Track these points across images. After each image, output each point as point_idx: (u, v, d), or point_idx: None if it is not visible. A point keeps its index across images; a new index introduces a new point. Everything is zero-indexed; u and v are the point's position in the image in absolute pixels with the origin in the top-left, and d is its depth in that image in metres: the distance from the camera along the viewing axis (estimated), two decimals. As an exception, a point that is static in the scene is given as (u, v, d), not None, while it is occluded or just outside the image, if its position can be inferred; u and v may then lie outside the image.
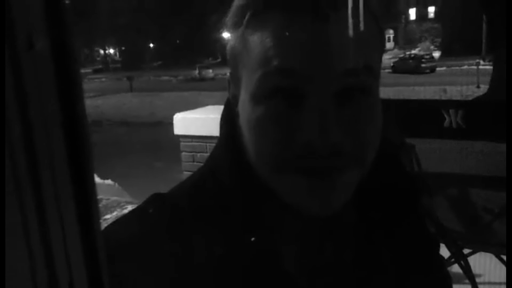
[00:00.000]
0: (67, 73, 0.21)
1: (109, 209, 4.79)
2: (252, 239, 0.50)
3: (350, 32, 0.46)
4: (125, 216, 0.55)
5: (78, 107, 0.22)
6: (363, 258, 0.55)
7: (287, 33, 0.46)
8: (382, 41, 0.51)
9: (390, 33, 46.46)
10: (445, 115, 1.98)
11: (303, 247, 0.53)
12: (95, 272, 0.22)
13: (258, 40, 0.47)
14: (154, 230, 0.51)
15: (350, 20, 0.46)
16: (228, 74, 0.56)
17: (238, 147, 0.53)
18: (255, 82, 0.47)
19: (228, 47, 0.53)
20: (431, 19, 46.76)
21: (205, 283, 0.48)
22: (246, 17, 0.48)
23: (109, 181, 6.51)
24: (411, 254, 0.59)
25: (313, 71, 0.45)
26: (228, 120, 0.56)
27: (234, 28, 0.51)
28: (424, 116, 2.11)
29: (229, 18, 0.52)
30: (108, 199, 5.08)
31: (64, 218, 0.21)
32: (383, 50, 0.52)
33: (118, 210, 4.78)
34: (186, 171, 3.54)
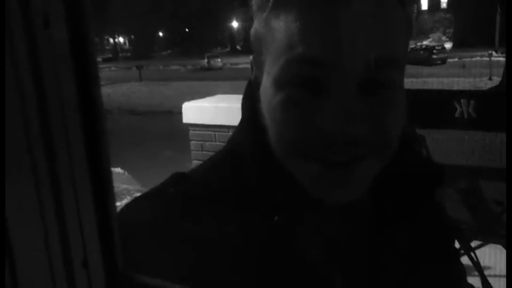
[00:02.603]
0: (83, 57, 0.22)
1: (119, 196, 4.82)
2: (270, 222, 0.50)
3: (377, 22, 0.45)
4: (146, 194, 0.55)
5: (94, 91, 0.22)
6: (380, 245, 0.55)
7: (311, 21, 0.45)
8: (409, 28, 0.50)
9: (402, 23, 45.70)
10: (457, 106, 1.96)
11: (320, 232, 0.53)
12: (109, 252, 0.23)
13: (282, 25, 0.46)
14: (174, 209, 0.52)
15: (377, 9, 0.45)
16: (251, 57, 0.56)
17: (259, 131, 0.52)
18: (278, 68, 0.47)
19: (252, 30, 0.52)
20: (443, 10, 46.08)
21: (222, 262, 0.49)
22: (271, 0, 0.48)
23: (118, 169, 6.55)
24: (428, 242, 0.59)
25: (337, 61, 0.44)
26: (250, 104, 0.56)
27: (258, 11, 0.50)
28: (435, 106, 2.09)
29: (254, 0, 0.51)
30: (118, 187, 5.11)
31: (79, 198, 0.22)
32: (410, 37, 0.51)
33: (128, 198, 4.81)
34: (195, 159, 3.55)
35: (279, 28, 0.47)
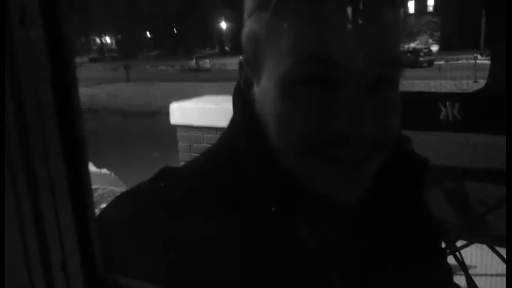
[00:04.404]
0: (60, 55, 0.21)
1: (105, 198, 4.78)
2: (266, 217, 0.50)
3: (385, 20, 0.45)
4: (137, 187, 0.54)
5: (72, 94, 0.22)
6: (371, 243, 0.55)
7: (321, 20, 0.44)
8: (405, 27, 0.52)
9: (389, 26, 46.07)
10: (442, 108, 1.98)
11: (320, 230, 0.53)
12: (87, 255, 0.22)
13: (289, 26, 0.46)
14: (165, 203, 0.51)
15: (384, 8, 0.45)
16: (241, 58, 0.55)
17: (254, 128, 0.52)
18: (285, 68, 0.46)
19: (246, 31, 0.51)
20: (430, 13, 46.60)
21: (214, 256, 0.48)
22: (274, 1, 0.47)
23: (105, 170, 6.50)
24: (416, 241, 0.59)
25: (349, 60, 0.45)
26: (241, 103, 0.55)
27: (256, 10, 0.49)
28: (420, 108, 2.11)
29: (252, 0, 0.50)
30: (104, 188, 5.07)
31: (57, 201, 0.21)
32: (403, 36, 0.52)
33: (114, 199, 4.76)
34: (182, 161, 3.54)
35: (285, 28, 0.46)
